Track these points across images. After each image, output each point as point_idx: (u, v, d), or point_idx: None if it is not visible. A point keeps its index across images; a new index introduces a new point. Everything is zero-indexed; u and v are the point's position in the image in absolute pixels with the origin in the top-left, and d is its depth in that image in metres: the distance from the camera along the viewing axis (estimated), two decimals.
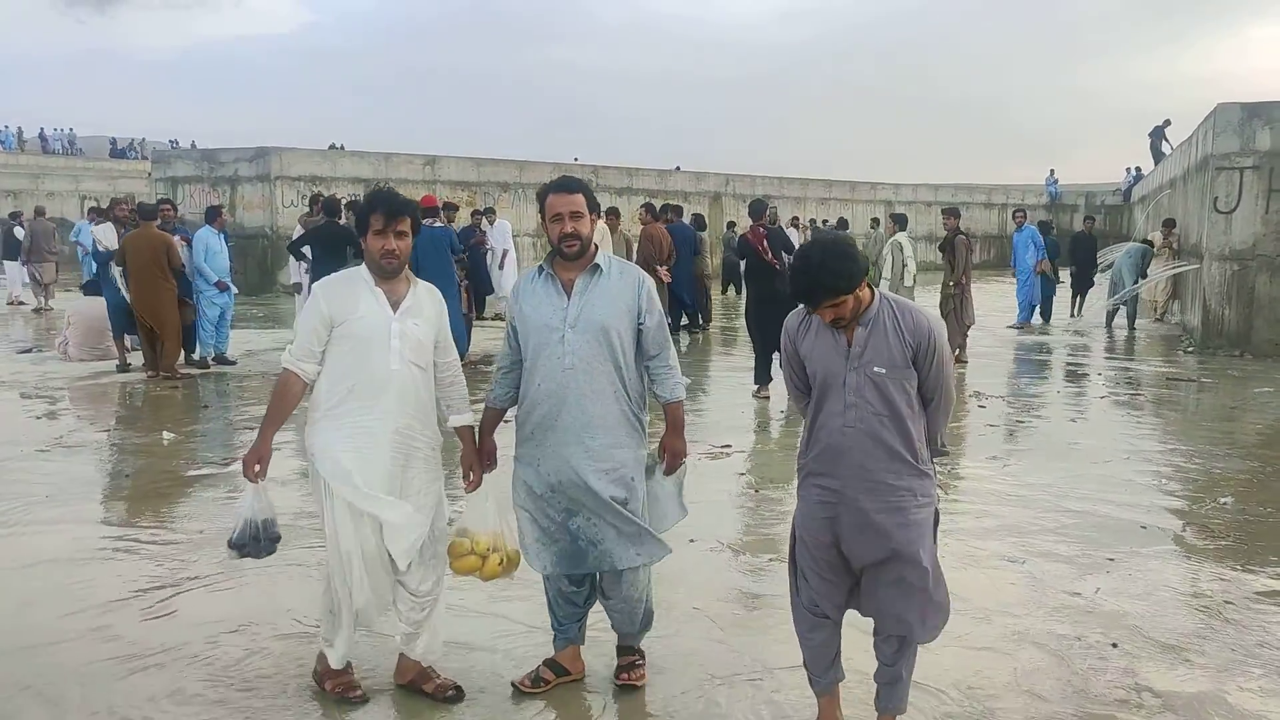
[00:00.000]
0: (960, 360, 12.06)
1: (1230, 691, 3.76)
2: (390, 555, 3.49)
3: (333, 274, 3.65)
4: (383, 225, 3.44)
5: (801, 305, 3.17)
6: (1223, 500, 6.28)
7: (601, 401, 3.47)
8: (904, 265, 12.48)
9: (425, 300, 3.58)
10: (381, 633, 3.97)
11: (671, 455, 3.65)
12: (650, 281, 3.63)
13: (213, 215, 11.77)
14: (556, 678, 3.72)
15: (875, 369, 3.06)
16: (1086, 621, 4.40)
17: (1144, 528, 5.77)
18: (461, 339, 11.11)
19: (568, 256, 3.50)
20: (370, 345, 3.43)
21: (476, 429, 3.70)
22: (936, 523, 3.22)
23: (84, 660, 3.97)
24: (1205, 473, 7.06)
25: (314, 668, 3.72)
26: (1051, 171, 39.04)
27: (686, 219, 17.18)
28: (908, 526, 3.08)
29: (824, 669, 3.34)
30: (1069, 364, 12.98)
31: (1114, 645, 4.14)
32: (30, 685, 3.75)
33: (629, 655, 3.77)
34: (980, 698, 3.70)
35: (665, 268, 13.63)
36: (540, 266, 3.60)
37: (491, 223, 16.40)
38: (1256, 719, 3.58)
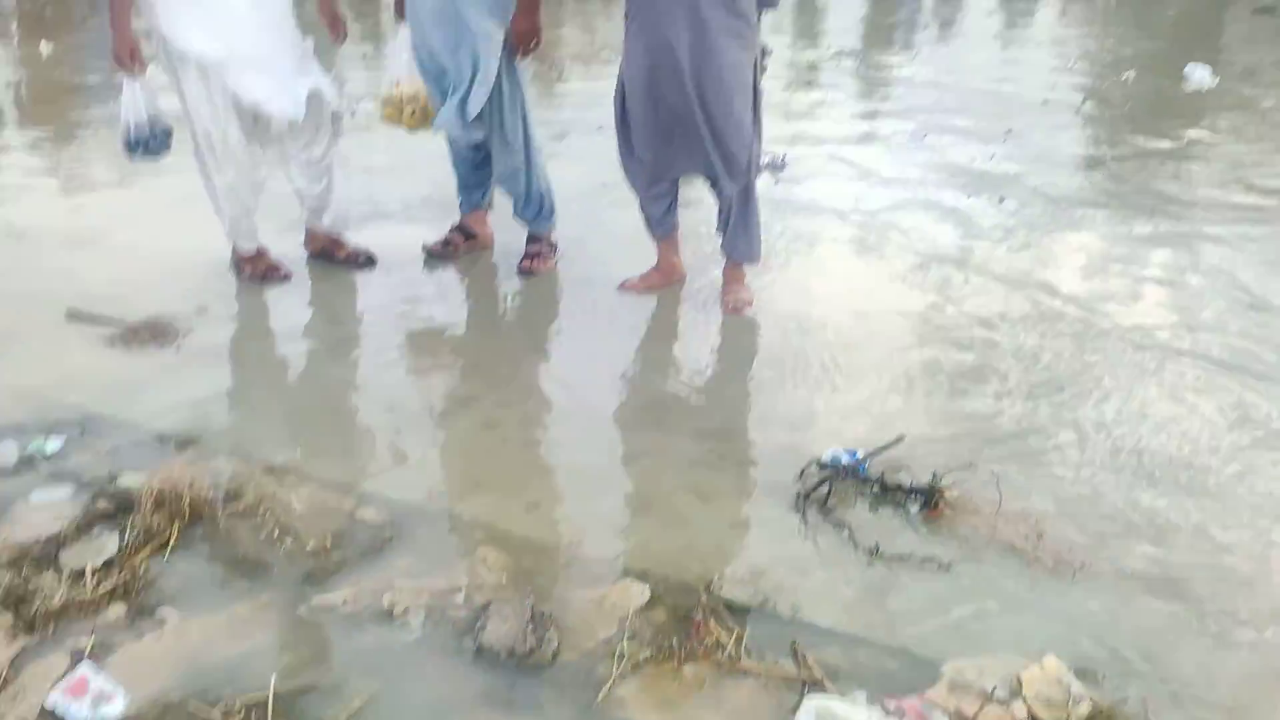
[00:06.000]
0: None
1: (1110, 240, 3.93)
2: (263, 121, 3.32)
3: None
4: None
5: None
6: (1125, 75, 6.37)
7: None
8: None
9: None
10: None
11: (517, 37, 3.29)
12: None
13: None
14: (465, 240, 3.77)
15: None
16: (979, 184, 4.56)
17: (1045, 102, 5.87)
18: None
19: None
20: None
21: None
22: (756, 79, 3.12)
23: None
24: (1113, 53, 7.11)
25: (229, 260, 3.61)
26: None
27: None
28: (721, 69, 3.01)
29: (660, 216, 3.43)
30: None
31: (1001, 200, 4.33)
32: None
33: (534, 244, 3.66)
34: (870, 261, 3.89)
35: None
36: None
37: None
38: (1128, 262, 3.72)
